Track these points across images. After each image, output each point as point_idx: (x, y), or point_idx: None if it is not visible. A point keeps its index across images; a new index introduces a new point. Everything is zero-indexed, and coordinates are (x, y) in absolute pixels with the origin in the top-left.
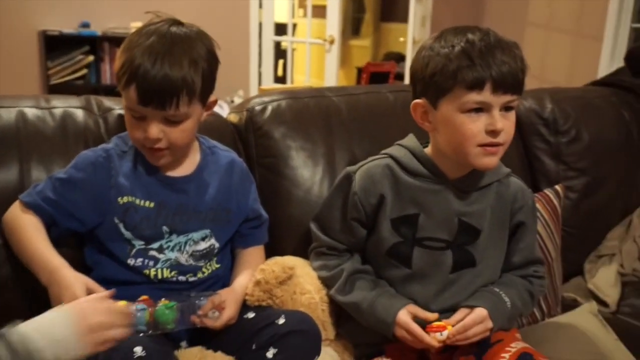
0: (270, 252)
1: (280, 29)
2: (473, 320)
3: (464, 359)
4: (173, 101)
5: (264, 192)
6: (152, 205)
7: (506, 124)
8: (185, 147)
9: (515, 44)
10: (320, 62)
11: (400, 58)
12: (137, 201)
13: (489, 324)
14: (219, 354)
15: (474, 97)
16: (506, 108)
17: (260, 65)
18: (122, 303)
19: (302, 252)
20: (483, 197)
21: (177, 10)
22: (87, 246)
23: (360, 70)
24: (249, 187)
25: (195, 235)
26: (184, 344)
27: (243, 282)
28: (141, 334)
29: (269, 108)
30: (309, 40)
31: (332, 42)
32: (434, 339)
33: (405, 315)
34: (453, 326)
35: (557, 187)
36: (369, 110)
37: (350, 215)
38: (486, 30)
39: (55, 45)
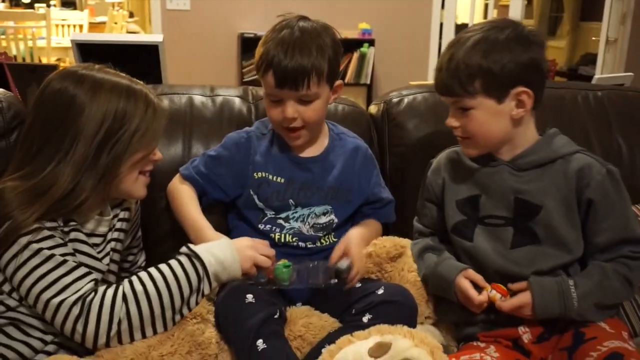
0: (396, 235)
1: (462, 29)
2: (513, 305)
3: (558, 355)
4: (305, 82)
5: (393, 179)
6: (282, 180)
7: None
8: (318, 125)
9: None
10: None
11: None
12: (270, 177)
13: (527, 312)
14: (325, 315)
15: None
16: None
17: None
18: None
19: None
20: (544, 174)
21: (362, 10)
22: (229, 213)
23: None
24: (372, 171)
25: (317, 210)
26: (299, 304)
27: (354, 230)
28: (259, 287)
29: (405, 101)
30: None
31: None
32: (483, 299)
33: (460, 278)
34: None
35: None
36: None
37: (425, 196)
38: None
39: (250, 46)
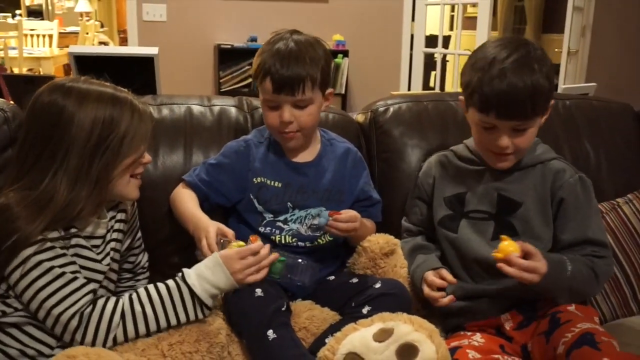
0: None
1: (434, 41)
2: (528, 266)
3: (537, 340)
4: (300, 88)
5: (381, 183)
6: (280, 185)
7: (515, 141)
8: (312, 129)
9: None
10: None
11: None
12: (268, 181)
13: (535, 278)
14: (326, 308)
15: (483, 118)
16: (515, 129)
17: (410, 75)
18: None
19: None
20: (525, 176)
21: (336, 22)
22: (230, 217)
23: None
24: (361, 172)
25: (313, 211)
26: (299, 300)
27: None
28: None
29: (391, 109)
30: (457, 52)
31: None
32: (438, 297)
33: (429, 275)
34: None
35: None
36: None
37: (416, 195)
38: (523, 44)
39: (227, 57)
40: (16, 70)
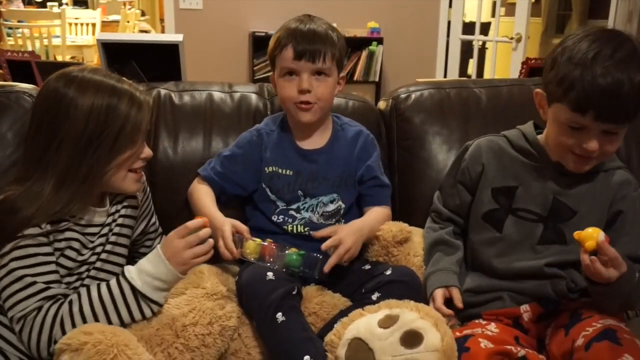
0: None
1: (472, 27)
2: (616, 256)
3: (555, 332)
4: (321, 55)
5: (401, 171)
6: (291, 173)
7: (604, 145)
8: (328, 104)
9: None
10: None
11: None
12: (280, 170)
13: (613, 273)
14: (337, 294)
15: (575, 118)
16: (606, 132)
17: (446, 64)
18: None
19: None
20: (586, 182)
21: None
22: (246, 205)
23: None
24: (371, 153)
25: (325, 199)
26: (312, 285)
27: (355, 221)
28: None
29: (413, 96)
30: (495, 39)
31: (519, 40)
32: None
33: (438, 297)
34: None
35: None
36: (509, 101)
37: (459, 179)
38: (626, 38)
39: (261, 45)
40: (59, 59)
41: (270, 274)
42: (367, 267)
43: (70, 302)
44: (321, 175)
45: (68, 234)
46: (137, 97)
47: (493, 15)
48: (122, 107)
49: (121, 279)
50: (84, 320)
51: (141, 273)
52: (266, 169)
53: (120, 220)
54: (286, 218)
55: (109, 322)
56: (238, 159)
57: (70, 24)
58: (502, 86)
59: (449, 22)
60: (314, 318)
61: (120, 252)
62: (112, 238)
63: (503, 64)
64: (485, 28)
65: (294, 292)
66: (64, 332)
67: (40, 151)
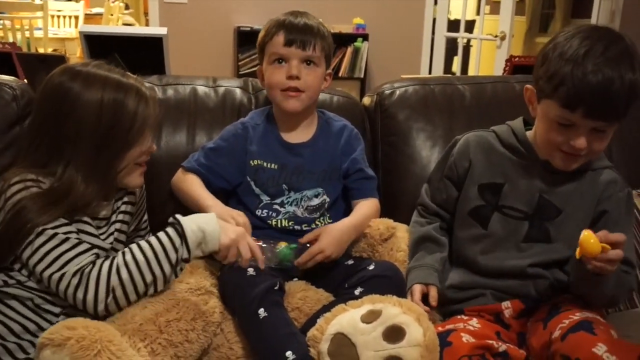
0: None
1: (457, 25)
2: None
3: (534, 326)
4: (312, 43)
5: (385, 166)
6: (276, 167)
7: (593, 142)
8: (314, 94)
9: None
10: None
11: None
12: (265, 163)
13: (610, 267)
14: (320, 289)
15: (564, 115)
16: (595, 130)
17: (431, 60)
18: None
19: None
20: (573, 181)
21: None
22: (230, 199)
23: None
24: (355, 147)
25: (309, 193)
26: (295, 279)
27: (343, 221)
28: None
29: (397, 92)
30: (480, 37)
31: (503, 38)
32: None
33: (416, 292)
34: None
35: None
36: (493, 98)
37: (446, 174)
38: (618, 36)
39: (246, 40)
40: (41, 51)
41: (251, 270)
42: (350, 262)
43: (123, 252)
44: (306, 169)
45: (82, 226)
46: (143, 92)
47: (478, 13)
48: (129, 102)
49: (168, 227)
50: (137, 266)
51: (191, 221)
52: (251, 162)
53: (120, 217)
54: (270, 212)
55: (161, 267)
56: (223, 151)
57: (52, 16)
58: (486, 83)
59: (434, 20)
60: (296, 313)
61: (119, 249)
62: (115, 234)
63: (487, 61)
64: (470, 26)
65: (276, 288)
66: (120, 280)
67: (54, 143)
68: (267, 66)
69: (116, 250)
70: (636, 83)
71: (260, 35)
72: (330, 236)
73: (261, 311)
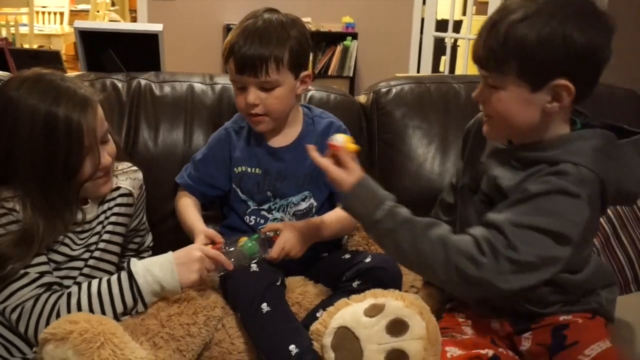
0: None
1: (445, 25)
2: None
3: (537, 348)
4: (263, 69)
5: (382, 164)
6: (259, 172)
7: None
8: (282, 114)
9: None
10: None
11: None
12: (249, 169)
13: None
14: (319, 284)
15: None
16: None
17: (419, 60)
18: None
19: None
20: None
21: (346, 4)
22: (224, 205)
23: None
24: None
25: (294, 199)
26: (292, 276)
27: (312, 220)
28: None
29: (393, 90)
30: (467, 37)
31: None
32: None
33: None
34: None
35: None
36: None
37: (462, 155)
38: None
39: None
40: (27, 47)
41: (254, 266)
42: (347, 256)
43: (69, 294)
44: (290, 173)
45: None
46: (79, 97)
47: (464, 14)
48: (61, 113)
49: (123, 273)
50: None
51: (147, 272)
52: (235, 169)
53: (113, 218)
54: (258, 219)
55: (102, 310)
56: (210, 160)
57: (37, 12)
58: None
59: (422, 19)
60: (297, 308)
61: (114, 250)
62: (106, 236)
63: None
64: (457, 26)
65: (277, 283)
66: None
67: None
68: (232, 85)
69: (111, 252)
70: None
71: (223, 48)
72: (294, 237)
73: (264, 306)
